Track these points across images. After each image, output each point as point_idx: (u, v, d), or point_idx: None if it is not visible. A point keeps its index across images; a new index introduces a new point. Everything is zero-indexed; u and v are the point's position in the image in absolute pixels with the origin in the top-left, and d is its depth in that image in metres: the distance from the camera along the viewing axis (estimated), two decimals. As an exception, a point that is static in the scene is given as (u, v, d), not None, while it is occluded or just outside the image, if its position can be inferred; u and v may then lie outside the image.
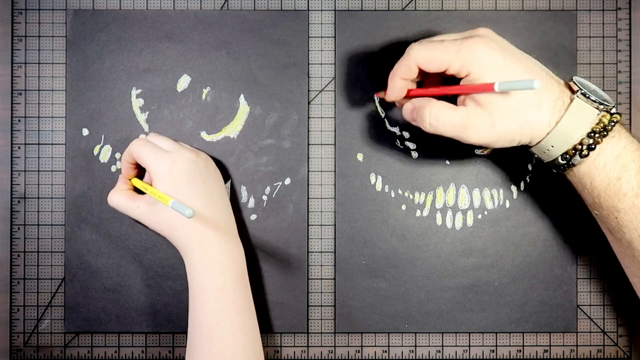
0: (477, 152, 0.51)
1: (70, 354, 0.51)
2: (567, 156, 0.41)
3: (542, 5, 0.51)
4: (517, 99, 0.40)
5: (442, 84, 0.46)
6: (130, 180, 0.48)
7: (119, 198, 0.47)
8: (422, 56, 0.41)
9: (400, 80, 0.44)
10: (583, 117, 0.40)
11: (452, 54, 0.40)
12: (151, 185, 0.45)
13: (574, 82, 0.41)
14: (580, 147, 0.40)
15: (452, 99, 0.43)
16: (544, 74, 0.41)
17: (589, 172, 0.41)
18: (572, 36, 0.51)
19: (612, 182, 0.40)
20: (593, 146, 0.40)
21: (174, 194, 0.44)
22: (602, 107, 0.40)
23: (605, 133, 0.40)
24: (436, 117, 0.41)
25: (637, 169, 0.40)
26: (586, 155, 0.40)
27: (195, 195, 0.45)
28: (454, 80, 0.43)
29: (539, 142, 0.41)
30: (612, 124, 0.40)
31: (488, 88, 0.39)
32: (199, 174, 0.45)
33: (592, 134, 0.40)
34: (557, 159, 0.41)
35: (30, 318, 0.51)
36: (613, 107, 0.41)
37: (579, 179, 0.42)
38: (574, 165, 0.41)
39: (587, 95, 0.40)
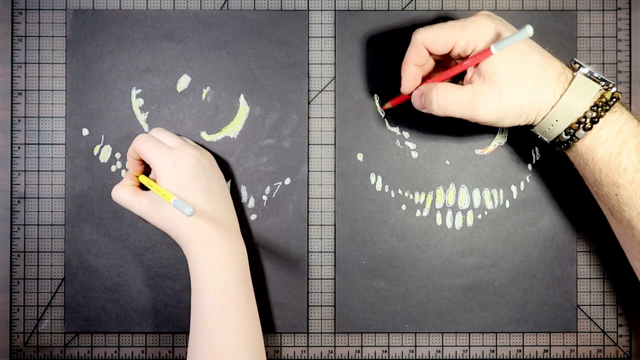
0: (477, 152, 0.51)
1: (70, 354, 0.51)
2: (571, 130, 0.41)
3: (542, 5, 0.51)
4: (522, 72, 0.41)
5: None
6: (137, 176, 0.48)
7: (123, 193, 0.46)
8: (429, 36, 0.42)
9: (412, 67, 0.44)
10: (586, 91, 0.41)
11: (457, 31, 0.42)
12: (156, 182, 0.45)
13: (575, 61, 0.42)
14: (584, 119, 0.41)
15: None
16: (544, 52, 0.42)
17: (592, 147, 0.41)
18: (572, 36, 0.51)
19: (613, 157, 0.41)
20: (596, 119, 0.40)
21: (178, 191, 0.44)
22: (603, 84, 0.41)
23: (607, 107, 0.40)
24: (444, 97, 0.42)
25: (638, 144, 0.40)
26: (589, 129, 0.41)
27: (199, 193, 0.44)
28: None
29: (544, 117, 0.42)
30: (614, 99, 0.41)
31: (486, 53, 0.40)
32: (203, 171, 0.45)
33: (595, 107, 0.40)
34: (560, 134, 0.42)
35: (30, 318, 0.51)
36: (613, 85, 0.42)
37: (581, 155, 0.42)
38: (577, 139, 0.42)
39: (589, 72, 0.41)
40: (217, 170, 0.48)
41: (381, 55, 0.50)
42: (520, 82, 0.41)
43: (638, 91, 0.51)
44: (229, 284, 0.44)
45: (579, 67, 0.42)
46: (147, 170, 0.49)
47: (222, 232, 0.45)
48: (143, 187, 0.48)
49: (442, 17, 0.51)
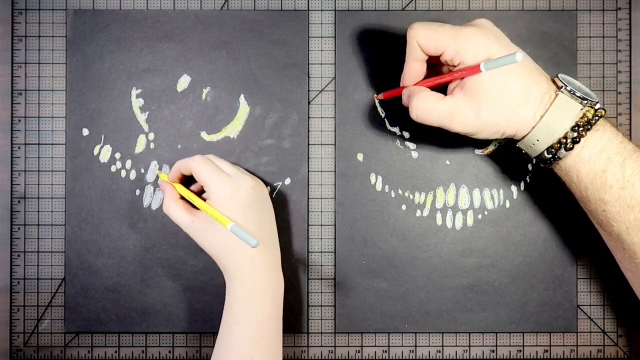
0: (477, 152, 0.51)
1: (70, 354, 0.51)
2: (553, 150, 0.41)
3: (542, 5, 0.51)
4: (504, 90, 0.41)
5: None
6: (174, 184, 0.48)
7: (176, 209, 0.45)
8: (421, 34, 0.42)
9: (412, 63, 0.44)
10: (567, 111, 0.40)
11: (449, 38, 0.41)
12: (200, 199, 0.45)
13: (558, 78, 0.42)
14: (564, 140, 0.41)
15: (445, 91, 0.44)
16: (534, 67, 0.42)
17: (575, 166, 0.41)
18: (572, 36, 0.51)
19: (598, 175, 0.41)
20: (577, 139, 0.40)
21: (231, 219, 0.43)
22: (585, 102, 0.41)
23: (589, 127, 0.40)
24: (423, 107, 0.42)
25: (622, 162, 0.40)
26: (571, 149, 0.41)
27: (252, 223, 0.44)
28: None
29: (525, 136, 0.42)
30: (596, 118, 0.41)
31: (475, 70, 0.40)
32: (256, 202, 0.45)
33: (576, 128, 0.40)
34: (543, 152, 0.42)
35: (30, 318, 0.51)
36: (597, 102, 0.41)
37: (565, 172, 0.42)
38: (559, 158, 0.42)
39: (571, 91, 0.41)
40: (268, 202, 0.47)
41: (381, 55, 0.50)
42: (501, 101, 0.41)
43: (638, 91, 0.51)
44: (265, 319, 0.44)
45: (562, 86, 0.41)
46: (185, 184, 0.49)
47: (268, 266, 0.45)
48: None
49: (442, 18, 0.51)
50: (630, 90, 0.51)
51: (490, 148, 0.51)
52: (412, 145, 0.51)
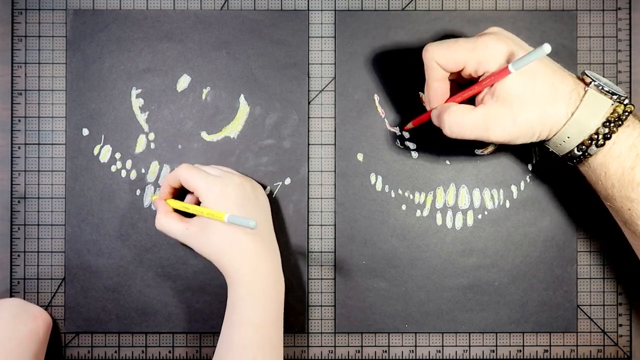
0: (477, 152, 0.51)
1: (70, 354, 0.51)
2: (583, 147, 0.41)
3: (542, 5, 0.51)
4: (534, 91, 0.40)
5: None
6: (166, 200, 0.48)
7: (168, 221, 0.46)
8: (437, 53, 0.42)
9: (435, 84, 0.43)
10: (598, 107, 0.40)
11: (466, 52, 0.41)
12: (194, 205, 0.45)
13: (586, 75, 0.42)
14: (596, 136, 0.40)
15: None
16: (556, 66, 0.42)
17: (604, 162, 0.41)
18: (572, 36, 0.51)
19: (626, 172, 0.40)
20: (609, 135, 0.40)
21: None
22: (615, 97, 0.41)
23: (620, 122, 0.40)
24: (455, 121, 0.41)
25: None
26: (602, 145, 0.40)
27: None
28: None
29: (556, 134, 0.41)
30: (627, 113, 0.40)
31: (504, 73, 0.40)
32: (248, 199, 0.45)
33: (608, 123, 0.40)
34: (572, 150, 0.41)
35: (30, 318, 0.51)
36: (626, 98, 0.41)
37: (593, 169, 0.42)
38: (589, 155, 0.41)
39: (599, 87, 0.41)
40: (263, 200, 0.48)
41: (381, 55, 0.50)
42: (533, 102, 0.40)
43: (638, 91, 0.51)
44: (268, 320, 0.44)
45: (591, 81, 0.41)
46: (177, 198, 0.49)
47: (268, 265, 0.45)
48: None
49: (442, 17, 0.51)
50: (630, 90, 0.51)
51: (490, 148, 0.51)
52: (412, 145, 0.51)
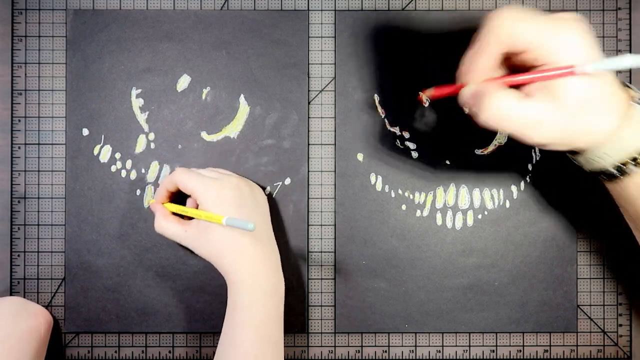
0: (477, 152, 0.51)
1: (70, 354, 0.51)
2: (621, 166, 0.37)
3: (542, 5, 0.51)
4: (593, 98, 0.36)
5: None
6: (164, 204, 0.48)
7: (167, 224, 0.46)
8: (511, 22, 0.35)
9: (486, 54, 0.37)
10: None
11: (544, 33, 0.35)
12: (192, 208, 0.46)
13: (631, 88, 0.38)
14: (638, 157, 0.37)
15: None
16: (613, 75, 0.38)
17: (639, 183, 0.38)
18: (572, 36, 0.51)
19: None
20: None
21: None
22: None
23: None
24: (501, 109, 0.35)
25: None
26: None
27: (245, 219, 0.43)
28: None
29: (593, 148, 0.38)
30: None
31: (577, 71, 0.35)
32: (246, 200, 0.45)
33: None
34: (607, 168, 0.38)
35: (30, 318, 0.51)
36: None
37: (625, 189, 0.39)
38: (626, 174, 0.38)
39: None
40: (262, 201, 0.47)
41: (381, 55, 0.50)
42: (588, 109, 0.36)
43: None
44: (269, 320, 0.44)
45: (635, 95, 0.37)
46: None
47: (267, 266, 0.44)
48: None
49: (442, 17, 0.51)
50: (630, 90, 0.51)
51: (490, 148, 0.51)
52: (412, 145, 0.51)
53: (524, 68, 0.37)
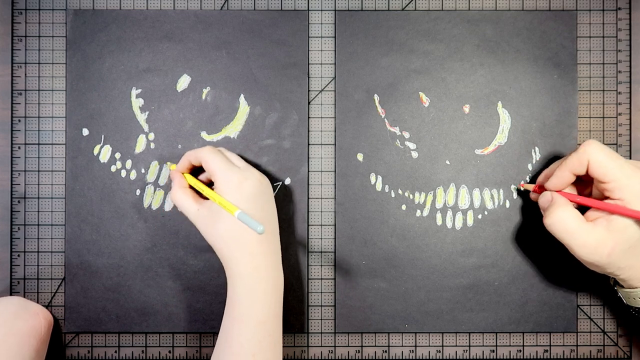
0: (477, 152, 0.51)
1: (70, 354, 0.51)
2: None
3: (542, 5, 0.51)
4: None
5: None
6: (184, 174, 0.47)
7: (183, 197, 0.46)
8: (597, 158, 0.41)
9: (567, 172, 0.43)
10: None
11: (622, 175, 0.40)
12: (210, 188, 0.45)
13: None
14: None
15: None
16: None
17: None
18: (572, 36, 0.51)
19: None
20: None
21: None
22: None
23: None
24: (563, 222, 0.41)
25: None
26: None
27: (256, 215, 0.44)
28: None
29: (635, 286, 0.42)
30: None
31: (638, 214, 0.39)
32: (262, 196, 0.45)
33: None
34: None
35: (30, 318, 0.51)
36: None
37: None
38: None
39: None
40: (272, 199, 0.47)
41: (381, 55, 0.50)
42: (634, 250, 0.40)
43: (638, 91, 0.51)
44: (268, 317, 0.44)
45: None
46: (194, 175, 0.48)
47: (270, 263, 0.44)
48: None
49: (442, 18, 0.51)
50: (630, 90, 0.51)
51: (490, 148, 0.51)
52: (412, 145, 0.51)
53: (588, 187, 0.44)
